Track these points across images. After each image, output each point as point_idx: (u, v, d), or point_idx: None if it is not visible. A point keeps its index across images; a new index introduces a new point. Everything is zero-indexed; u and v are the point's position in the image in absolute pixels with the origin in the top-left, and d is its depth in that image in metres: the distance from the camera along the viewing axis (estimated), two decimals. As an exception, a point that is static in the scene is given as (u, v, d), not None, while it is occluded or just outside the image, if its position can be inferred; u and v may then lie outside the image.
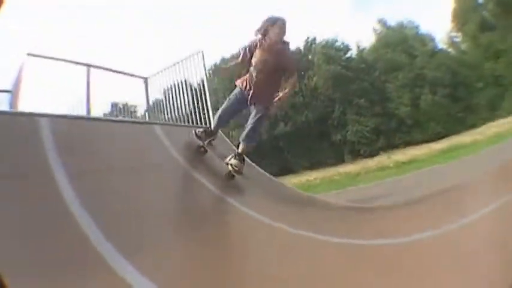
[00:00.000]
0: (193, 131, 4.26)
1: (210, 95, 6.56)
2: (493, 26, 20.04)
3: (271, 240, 2.77)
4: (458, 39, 20.20)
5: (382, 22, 18.74)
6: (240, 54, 4.16)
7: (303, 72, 18.06)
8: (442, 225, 2.56)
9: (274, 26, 3.95)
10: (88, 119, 4.96)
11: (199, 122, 6.44)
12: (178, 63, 6.84)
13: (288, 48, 4.19)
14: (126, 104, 7.89)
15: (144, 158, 3.84)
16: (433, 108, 18.15)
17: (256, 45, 3.95)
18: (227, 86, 17.51)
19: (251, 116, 3.98)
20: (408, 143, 17.97)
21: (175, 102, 6.97)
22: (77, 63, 6.23)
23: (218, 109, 4.68)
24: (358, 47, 18.20)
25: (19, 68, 5.57)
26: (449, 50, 19.50)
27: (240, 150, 4.00)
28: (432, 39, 19.14)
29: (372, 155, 17.25)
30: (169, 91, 7.04)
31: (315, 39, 18.27)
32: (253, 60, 3.92)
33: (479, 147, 13.37)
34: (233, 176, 4.04)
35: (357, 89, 17.64)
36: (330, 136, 17.72)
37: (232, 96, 4.12)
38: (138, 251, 2.17)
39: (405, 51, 18.21)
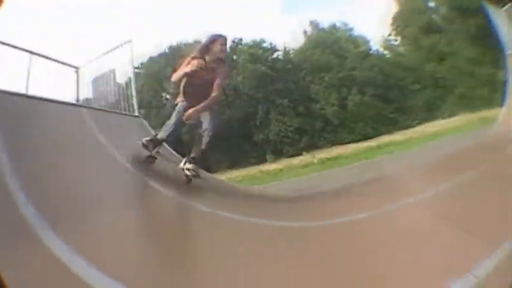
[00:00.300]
0: (141, 142, 4.45)
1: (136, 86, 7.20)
2: (440, 29, 19.91)
3: (217, 227, 3.06)
4: (396, 42, 19.99)
5: (313, 24, 19.02)
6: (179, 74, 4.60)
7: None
8: (378, 207, 3.05)
9: (215, 44, 4.43)
10: (25, 96, 5.14)
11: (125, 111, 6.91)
12: (108, 52, 7.27)
13: (224, 67, 4.67)
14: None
15: (72, 137, 4.33)
16: (361, 109, 17.96)
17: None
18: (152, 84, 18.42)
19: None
20: (334, 143, 17.81)
21: (102, 92, 7.41)
22: (21, 49, 6.21)
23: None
24: (285, 48, 18.34)
25: None
26: (385, 52, 19.26)
27: (193, 154, 4.44)
28: (366, 42, 19.06)
29: (295, 154, 17.12)
30: (98, 80, 7.41)
31: (241, 39, 18.70)
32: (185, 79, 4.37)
33: (414, 145, 13.55)
34: (190, 180, 4.40)
35: (281, 89, 17.77)
36: (252, 136, 17.76)
37: (178, 109, 4.52)
38: (67, 223, 2.45)
39: (335, 53, 18.33)
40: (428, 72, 19.35)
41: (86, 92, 7.58)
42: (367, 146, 16.67)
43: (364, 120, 18.13)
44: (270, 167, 15.93)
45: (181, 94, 4.45)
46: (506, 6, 8.14)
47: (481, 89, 18.84)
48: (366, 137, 17.50)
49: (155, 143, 4.39)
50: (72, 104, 6.34)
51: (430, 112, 18.83)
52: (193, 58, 4.30)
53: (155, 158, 4.43)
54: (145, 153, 4.38)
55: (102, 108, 7.05)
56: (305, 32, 19.38)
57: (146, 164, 4.35)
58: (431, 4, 21.13)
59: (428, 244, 2.23)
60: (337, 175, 11.07)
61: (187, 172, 4.27)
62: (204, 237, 2.87)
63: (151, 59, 18.73)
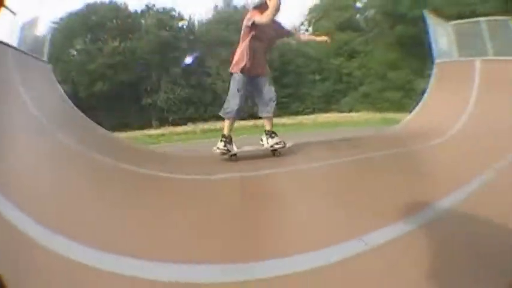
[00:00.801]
0: (217, 151, 3.95)
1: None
2: (359, 29, 20.32)
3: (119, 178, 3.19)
4: (308, 32, 20.41)
5: (227, 1, 19.56)
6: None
7: (130, 35, 19.20)
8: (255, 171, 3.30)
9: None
10: None
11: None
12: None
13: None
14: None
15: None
16: (253, 88, 18.30)
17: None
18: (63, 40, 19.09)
19: (266, 89, 3.82)
20: (220, 118, 18.13)
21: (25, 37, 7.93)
22: None
23: None
24: (191, 18, 18.92)
25: None
26: (289, 39, 19.62)
27: (269, 128, 3.90)
28: (274, 25, 19.49)
29: (180, 123, 17.35)
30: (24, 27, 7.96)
31: (154, 5, 19.38)
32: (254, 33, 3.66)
33: (302, 130, 13.84)
34: (280, 152, 3.95)
35: (178, 58, 18.23)
36: (141, 100, 18.30)
37: (234, 86, 3.81)
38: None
39: (238, 31, 18.75)
40: (332, 65, 19.61)
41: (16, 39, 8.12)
42: (253, 124, 16.86)
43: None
44: (153, 132, 16.14)
45: (241, 60, 3.68)
46: (455, 22, 8.48)
47: (392, 93, 19.11)
48: (253, 116, 17.71)
49: (229, 141, 3.92)
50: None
51: (327, 104, 19.06)
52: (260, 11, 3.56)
53: (235, 154, 3.96)
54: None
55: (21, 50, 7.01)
56: (216, 7, 19.87)
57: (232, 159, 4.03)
58: (358, 4, 21.38)
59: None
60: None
61: (276, 147, 3.81)
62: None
63: (69, 14, 19.45)
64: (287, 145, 4.00)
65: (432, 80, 7.67)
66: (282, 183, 3.09)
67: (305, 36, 3.95)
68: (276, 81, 17.76)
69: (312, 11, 20.00)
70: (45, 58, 7.59)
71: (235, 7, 19.16)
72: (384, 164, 3.71)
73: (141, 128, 17.02)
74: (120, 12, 19.01)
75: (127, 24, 18.72)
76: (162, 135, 15.47)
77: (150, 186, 2.96)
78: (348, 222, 2.03)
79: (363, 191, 2.72)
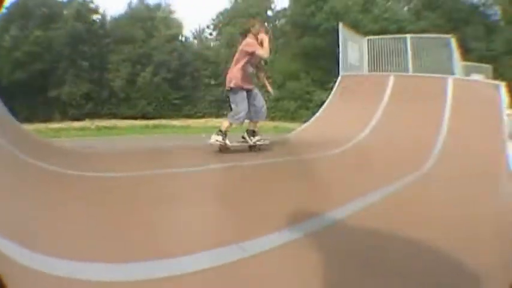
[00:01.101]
0: (216, 142, 4.58)
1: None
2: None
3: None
4: (210, 36, 20.37)
5: (139, -3, 19.92)
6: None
7: (52, 25, 20.41)
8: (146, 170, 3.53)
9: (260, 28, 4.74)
10: None
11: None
12: None
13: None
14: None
15: None
16: (148, 88, 18.96)
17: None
18: None
19: (257, 99, 4.61)
20: (115, 116, 19.19)
21: None
22: None
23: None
24: (103, 12, 19.66)
25: None
26: (194, 41, 19.79)
27: (254, 128, 4.72)
28: (180, 27, 19.71)
29: (78, 119, 18.12)
30: None
31: (81, -3, 20.10)
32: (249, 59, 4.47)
33: (191, 132, 14.76)
34: (259, 148, 4.80)
35: (85, 52, 19.31)
36: (47, 92, 19.08)
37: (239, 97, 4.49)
38: None
39: (145, 29, 19.33)
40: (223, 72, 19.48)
41: None
42: (145, 124, 17.71)
43: (148, 99, 18.94)
44: (53, 126, 16.75)
45: (240, 78, 4.47)
46: (371, 37, 8.59)
47: (288, 102, 18.84)
48: (146, 117, 18.57)
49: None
50: None
51: (219, 109, 19.23)
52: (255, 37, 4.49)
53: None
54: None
55: None
56: (130, 3, 20.32)
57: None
58: (270, 13, 20.77)
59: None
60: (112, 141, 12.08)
61: (258, 143, 4.69)
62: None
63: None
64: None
65: (334, 92, 7.72)
66: (166, 186, 3.04)
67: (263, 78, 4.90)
68: (172, 83, 18.22)
69: (220, 15, 19.56)
70: None
71: (148, 5, 19.35)
72: (272, 172, 3.84)
73: (45, 120, 17.78)
74: (49, 0, 19.94)
75: (51, 13, 19.72)
76: (62, 129, 16.15)
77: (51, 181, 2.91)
78: (228, 228, 2.07)
79: (247, 197, 2.77)
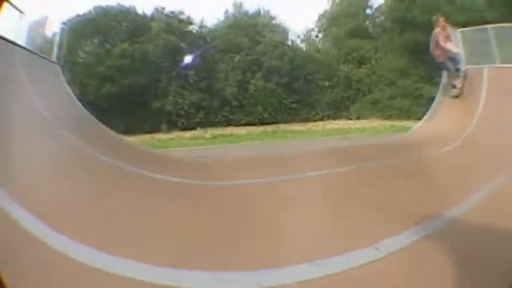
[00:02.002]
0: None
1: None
2: (369, 36, 21.13)
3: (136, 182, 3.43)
4: (316, 38, 21.29)
5: (237, 6, 20.44)
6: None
7: (139, 38, 20.01)
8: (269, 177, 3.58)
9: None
10: None
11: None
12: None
13: None
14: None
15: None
16: (262, 94, 19.11)
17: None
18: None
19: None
20: (230, 123, 18.96)
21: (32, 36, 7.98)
22: None
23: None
24: (202, 22, 19.78)
25: None
26: (301, 45, 20.56)
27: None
28: (286, 32, 20.40)
29: (189, 128, 18.16)
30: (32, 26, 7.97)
31: (164, 8, 20.20)
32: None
33: (311, 136, 14.21)
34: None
35: (188, 63, 19.08)
36: (150, 104, 19.05)
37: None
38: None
39: (249, 36, 19.64)
40: (342, 72, 20.50)
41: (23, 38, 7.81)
42: (263, 130, 17.53)
43: (263, 105, 19.22)
44: (162, 136, 16.85)
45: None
46: (463, 29, 9.07)
47: (402, 100, 19.98)
48: (263, 122, 18.57)
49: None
50: (7, 40, 6.42)
51: (336, 111, 19.91)
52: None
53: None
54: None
55: (29, 49, 7.43)
56: (226, 12, 20.76)
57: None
58: (368, 11, 22.24)
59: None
60: (228, 150, 11.67)
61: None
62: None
63: (78, 16, 20.20)
64: None
65: (441, 87, 8.26)
66: (292, 190, 3.20)
67: None
68: (286, 87, 18.64)
69: (322, 17, 20.76)
70: (53, 59, 8.03)
71: (246, 12, 19.91)
72: (392, 172, 3.98)
73: (150, 132, 17.97)
74: (129, 14, 19.68)
75: (136, 27, 19.39)
76: (172, 139, 15.65)
77: (161, 191, 3.15)
78: (362, 230, 2.17)
79: (372, 198, 2.90)
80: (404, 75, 20.19)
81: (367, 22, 21.68)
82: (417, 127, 7.65)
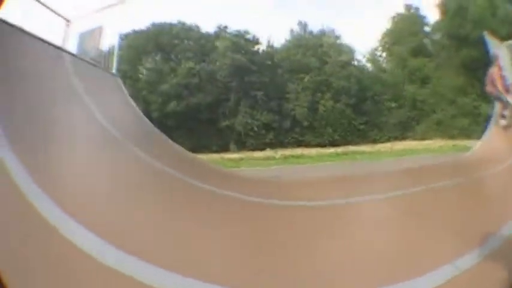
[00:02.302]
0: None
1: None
2: (429, 54, 21.34)
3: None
4: (381, 58, 21.47)
5: (302, 25, 20.56)
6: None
7: (204, 57, 19.95)
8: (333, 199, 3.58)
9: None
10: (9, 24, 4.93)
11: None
12: (100, 9, 7.73)
13: None
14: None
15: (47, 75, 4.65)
16: (332, 115, 19.19)
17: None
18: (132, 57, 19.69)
19: None
20: (300, 144, 18.96)
21: (86, 47, 7.84)
22: None
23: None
24: (269, 42, 19.82)
25: None
26: (368, 65, 20.71)
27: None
28: (350, 51, 20.55)
29: (258, 148, 18.15)
30: (84, 36, 7.83)
31: (226, 27, 20.21)
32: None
33: (380, 157, 14.20)
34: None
35: (257, 82, 19.03)
36: (219, 123, 18.95)
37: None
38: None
39: (316, 56, 19.73)
40: (408, 92, 20.70)
41: (71, 46, 7.80)
42: (333, 151, 17.57)
43: (333, 126, 19.31)
44: (231, 155, 16.81)
45: None
46: (509, 42, 8.81)
47: (462, 119, 20.19)
48: (333, 144, 18.62)
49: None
50: (57, 47, 6.33)
51: (402, 131, 20.07)
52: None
53: None
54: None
55: (82, 58, 7.35)
56: (292, 31, 20.86)
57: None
58: (426, 28, 22.53)
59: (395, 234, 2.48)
60: (299, 170, 11.69)
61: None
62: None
63: (135, 32, 20.10)
64: None
65: (494, 113, 8.41)
66: (364, 212, 3.25)
67: None
68: (354, 108, 18.77)
69: (385, 35, 20.99)
70: (113, 71, 8.02)
71: (311, 32, 20.05)
72: (460, 191, 4.07)
73: (218, 151, 18.00)
74: (192, 33, 19.64)
75: (200, 45, 19.36)
76: (241, 159, 15.64)
77: (234, 209, 3.13)
78: (438, 249, 2.23)
79: (443, 218, 2.99)
80: (463, 94, 20.17)
81: (426, 40, 21.76)
82: (477, 146, 7.83)
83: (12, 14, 5.37)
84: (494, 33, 17.00)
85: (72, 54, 6.65)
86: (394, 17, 22.00)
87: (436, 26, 21.53)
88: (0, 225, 1.74)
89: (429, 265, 1.84)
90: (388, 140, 19.25)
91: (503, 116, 7.71)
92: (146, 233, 2.22)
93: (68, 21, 7.85)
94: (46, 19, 7.35)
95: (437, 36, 21.52)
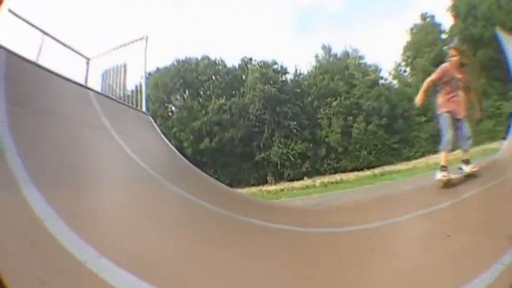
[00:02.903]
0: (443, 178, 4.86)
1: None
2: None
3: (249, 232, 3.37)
4: (405, 73, 21.91)
5: (326, 49, 21.02)
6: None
7: (234, 91, 20.45)
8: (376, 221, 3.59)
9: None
10: (35, 64, 5.11)
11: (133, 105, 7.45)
12: (121, 46, 7.46)
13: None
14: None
15: (76, 114, 4.67)
16: (365, 137, 19.70)
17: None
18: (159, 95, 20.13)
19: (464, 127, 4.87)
20: (337, 170, 19.51)
21: (111, 85, 7.78)
22: (34, 25, 6.21)
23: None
24: (296, 70, 20.30)
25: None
26: (394, 82, 21.19)
27: (466, 157, 4.89)
28: (377, 70, 21.01)
29: (296, 178, 18.46)
30: (108, 73, 7.78)
31: (251, 59, 20.68)
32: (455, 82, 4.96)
33: (417, 173, 14.62)
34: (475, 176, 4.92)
35: (288, 112, 19.58)
36: (254, 156, 19.51)
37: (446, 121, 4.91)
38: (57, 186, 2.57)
39: (344, 80, 20.20)
40: (434, 104, 21.15)
41: (94, 84, 7.79)
42: (371, 173, 18.04)
43: (367, 149, 19.75)
44: (269, 187, 16.87)
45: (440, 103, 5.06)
46: None
47: (486, 122, 20.70)
48: (369, 166, 19.17)
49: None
50: (81, 85, 6.36)
51: (434, 145, 20.59)
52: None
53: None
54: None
55: (109, 96, 7.24)
56: (316, 57, 21.34)
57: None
58: (443, 36, 22.89)
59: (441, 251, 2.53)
60: (340, 196, 12.04)
61: (473, 170, 4.81)
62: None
63: (158, 70, 20.62)
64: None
65: None
66: (406, 230, 3.28)
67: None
68: (386, 128, 19.30)
69: (406, 49, 21.42)
70: (143, 109, 7.84)
71: (335, 55, 20.51)
72: (496, 193, 4.11)
73: (256, 184, 18.49)
74: (218, 67, 20.11)
75: (228, 80, 19.85)
76: (281, 190, 15.99)
77: (280, 241, 3.12)
78: (483, 252, 2.32)
79: (483, 222, 3.09)
80: (484, 96, 20.94)
81: (445, 47, 22.05)
82: (503, 146, 7.78)
83: (31, 53, 6.02)
84: (504, 27, 17.45)
85: (101, 93, 6.68)
86: (412, 29, 22.35)
87: (451, 31, 21.76)
88: (23, 258, 1.75)
89: (477, 268, 1.94)
90: (422, 155, 19.68)
91: None
92: (191, 268, 2.20)
93: (88, 59, 7.91)
94: (66, 57, 7.46)
95: (454, 43, 21.84)
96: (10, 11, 5.72)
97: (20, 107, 3.30)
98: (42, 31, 6.45)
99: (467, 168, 4.83)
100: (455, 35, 21.89)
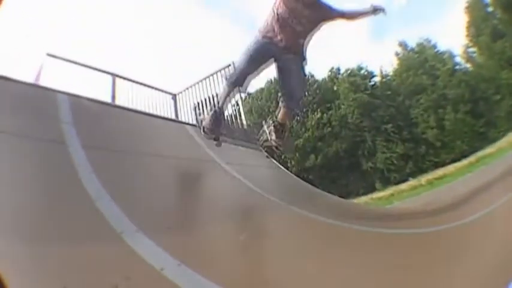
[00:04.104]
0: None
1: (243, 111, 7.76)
2: (502, 34, 22.13)
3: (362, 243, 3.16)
4: (474, 54, 22.84)
5: (403, 45, 21.52)
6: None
7: (329, 104, 20.63)
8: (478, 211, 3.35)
9: None
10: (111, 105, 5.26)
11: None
12: (208, 77, 7.39)
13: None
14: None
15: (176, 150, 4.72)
16: (457, 127, 21.02)
17: None
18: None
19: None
20: (437, 165, 20.25)
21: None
22: (102, 71, 6.27)
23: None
24: (382, 72, 20.80)
25: (38, 67, 5.58)
26: (468, 65, 22.44)
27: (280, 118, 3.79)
28: (452, 56, 21.97)
29: (401, 181, 19.30)
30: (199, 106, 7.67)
31: (339, 69, 20.82)
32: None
33: (504, 152, 15.50)
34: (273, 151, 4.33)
35: (384, 116, 20.43)
36: (360, 165, 20.42)
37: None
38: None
39: (426, 73, 21.06)
40: (504, 80, 21.08)
41: (184, 118, 7.86)
42: (467, 162, 19.04)
43: (460, 138, 21.05)
44: (379, 194, 17.78)
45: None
46: None
47: None
48: (464, 155, 19.98)
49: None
50: (179, 121, 6.51)
51: (510, 122, 22.40)
52: None
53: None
54: None
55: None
56: (397, 54, 21.88)
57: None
58: (489, 9, 22.92)
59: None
60: (446, 191, 12.21)
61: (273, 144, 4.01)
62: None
63: (249, 94, 20.28)
64: None
65: None
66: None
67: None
68: (472, 113, 20.82)
69: (468, 30, 22.51)
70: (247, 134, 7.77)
71: (412, 49, 21.25)
72: None
73: (364, 193, 19.19)
74: (309, 83, 20.34)
75: (319, 94, 20.12)
76: (391, 195, 16.60)
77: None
78: None
79: None
80: None
81: (495, 21, 22.21)
82: None
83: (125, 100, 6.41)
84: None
85: (191, 125, 6.48)
86: (467, 7, 22.89)
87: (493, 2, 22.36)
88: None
89: None
90: (504, 134, 19.43)
91: None
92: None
93: (173, 95, 7.96)
94: (154, 97, 7.63)
95: (499, 13, 22.13)
96: (76, 62, 6.01)
97: (103, 150, 3.37)
98: (111, 74, 6.55)
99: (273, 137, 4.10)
100: (496, 6, 22.74)
